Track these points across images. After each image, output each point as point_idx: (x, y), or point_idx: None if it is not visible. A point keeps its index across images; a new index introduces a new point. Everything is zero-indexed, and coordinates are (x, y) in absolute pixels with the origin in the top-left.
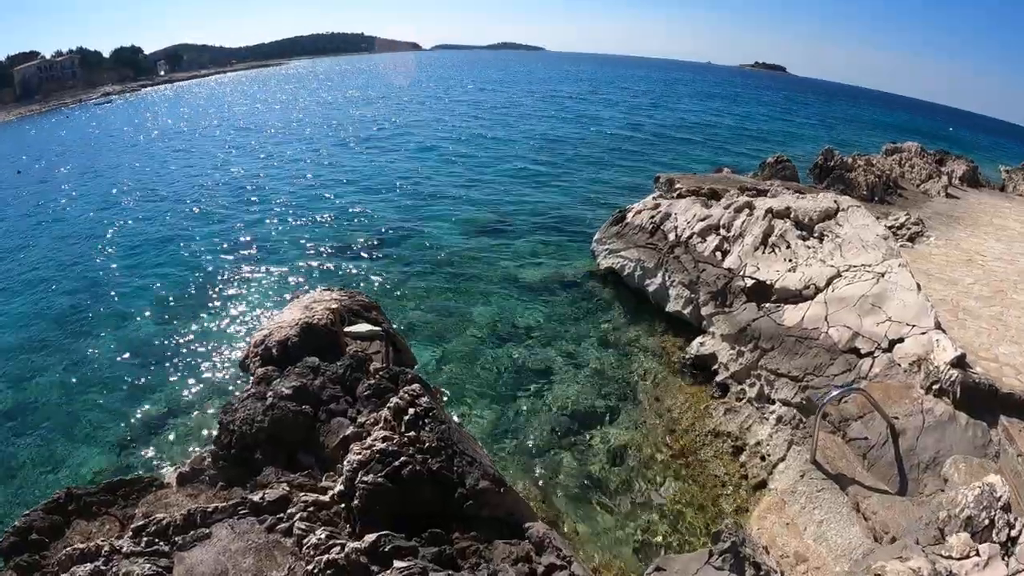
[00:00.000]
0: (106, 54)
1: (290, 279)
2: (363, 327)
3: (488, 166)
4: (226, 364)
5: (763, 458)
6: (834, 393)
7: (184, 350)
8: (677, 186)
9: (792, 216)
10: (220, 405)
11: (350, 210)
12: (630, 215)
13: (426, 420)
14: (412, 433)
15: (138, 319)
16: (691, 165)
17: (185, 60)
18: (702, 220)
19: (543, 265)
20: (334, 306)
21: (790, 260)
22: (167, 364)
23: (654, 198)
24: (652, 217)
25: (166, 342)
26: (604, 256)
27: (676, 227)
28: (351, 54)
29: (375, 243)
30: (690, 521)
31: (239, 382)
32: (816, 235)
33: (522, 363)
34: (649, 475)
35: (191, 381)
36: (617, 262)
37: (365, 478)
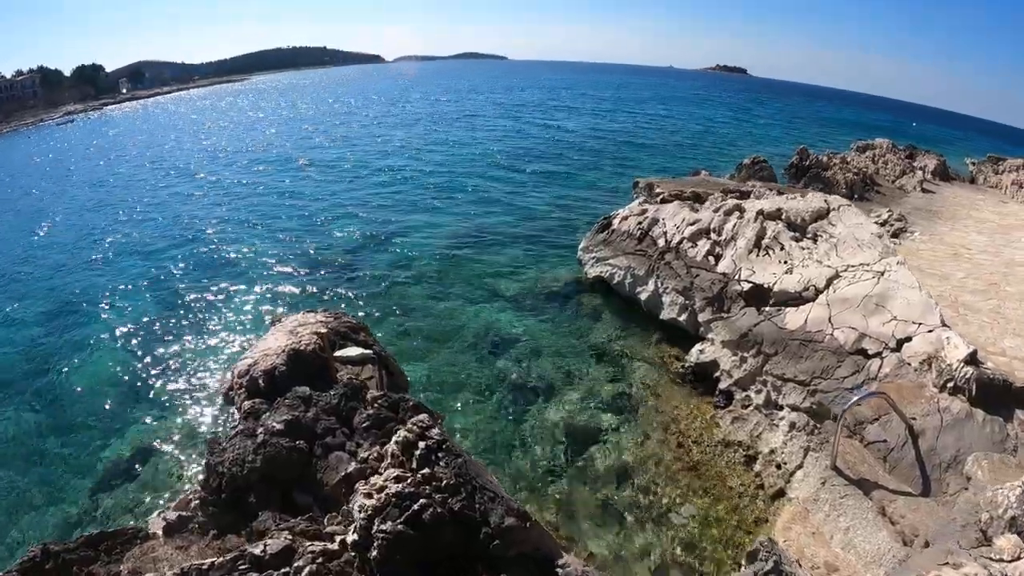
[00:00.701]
0: (67, 72)
1: (266, 301)
2: (354, 351)
3: (458, 176)
4: (206, 396)
5: (779, 466)
6: (855, 398)
7: (159, 382)
8: (658, 190)
9: (784, 217)
10: (202, 441)
11: (322, 227)
12: (616, 222)
13: (440, 454)
14: (426, 470)
15: (107, 350)
16: (667, 166)
17: (147, 77)
18: (691, 224)
19: (525, 276)
20: (321, 330)
21: (785, 262)
22: (141, 398)
23: (640, 203)
24: (640, 223)
25: (139, 374)
26: (592, 264)
27: (665, 232)
28: (314, 68)
29: (349, 260)
30: (710, 537)
31: (222, 416)
32: (810, 236)
33: (515, 381)
34: (661, 491)
35: (168, 416)
36: (606, 270)
37: (383, 526)
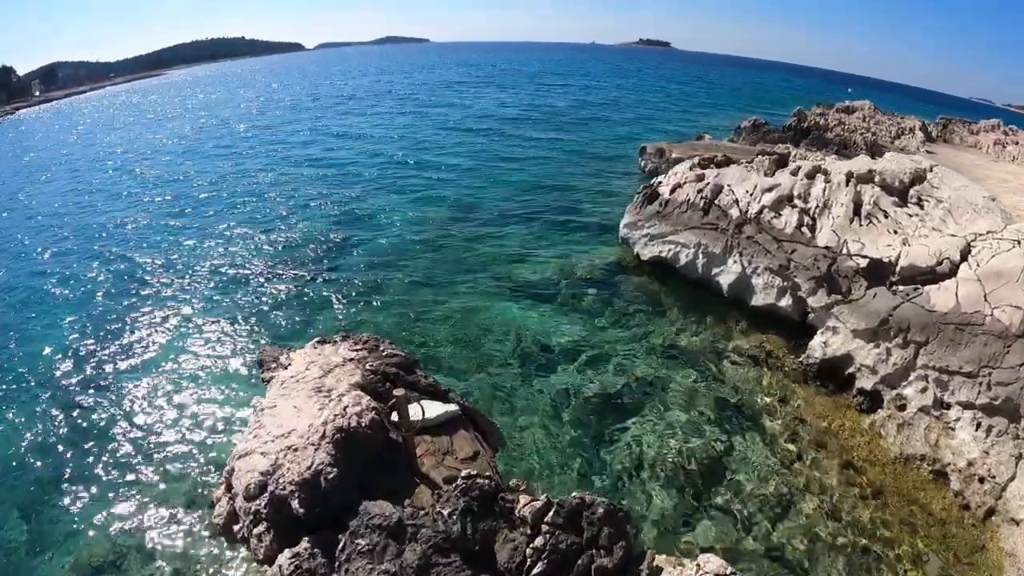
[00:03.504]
0: None
1: (234, 321)
2: (433, 410)
3: (428, 153)
4: (180, 526)
5: (982, 480)
6: None
7: (84, 496)
8: (674, 155)
9: (878, 180)
10: None
11: (281, 220)
12: (665, 191)
13: None
14: None
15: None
16: (646, 135)
17: (61, 77)
18: (768, 191)
19: (551, 259)
20: (356, 377)
21: (895, 231)
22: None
23: (689, 168)
24: (700, 191)
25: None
26: (645, 243)
27: (737, 201)
28: (233, 58)
29: (325, 255)
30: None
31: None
32: (913, 200)
33: (580, 397)
34: (844, 530)
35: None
36: (667, 250)
37: None
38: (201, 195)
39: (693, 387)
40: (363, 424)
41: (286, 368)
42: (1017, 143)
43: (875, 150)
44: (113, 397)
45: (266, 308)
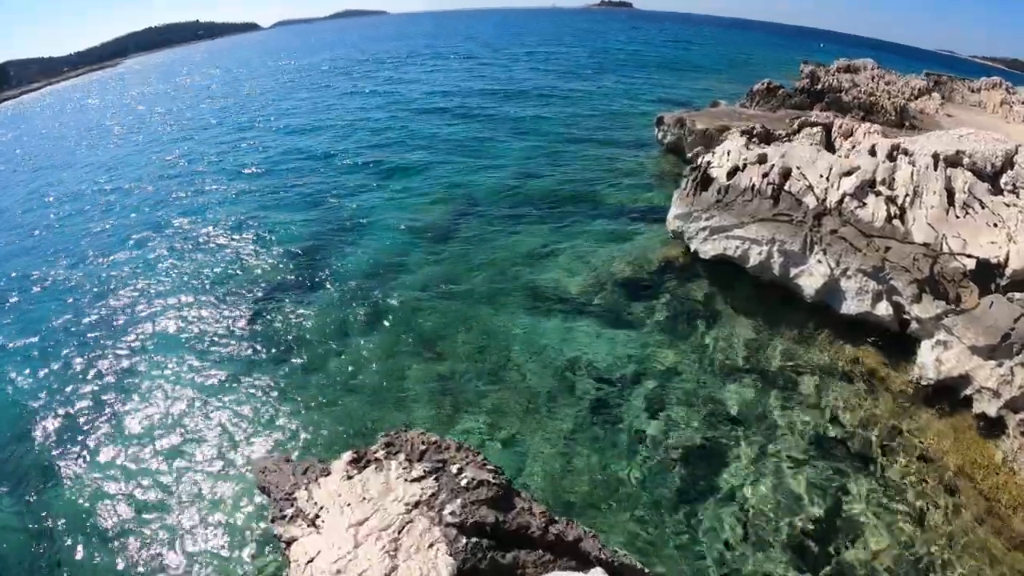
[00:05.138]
0: None
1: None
2: None
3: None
4: None
5: None
6: None
7: None
8: (698, 126)
9: (967, 163)
10: None
11: (260, 226)
12: (719, 174)
13: None
14: None
15: None
16: (642, 106)
17: (13, 75)
18: (847, 174)
19: (578, 259)
20: (440, 553)
21: (995, 224)
22: None
23: (744, 145)
24: (765, 175)
25: None
26: (704, 238)
27: (811, 187)
28: (188, 43)
29: (315, 269)
30: None
31: None
32: (1008, 187)
33: (656, 443)
34: None
35: None
36: (733, 246)
37: None
38: (146, 200)
39: (784, 418)
40: None
41: (313, 524)
42: None
43: (904, 115)
44: None
45: (254, 351)
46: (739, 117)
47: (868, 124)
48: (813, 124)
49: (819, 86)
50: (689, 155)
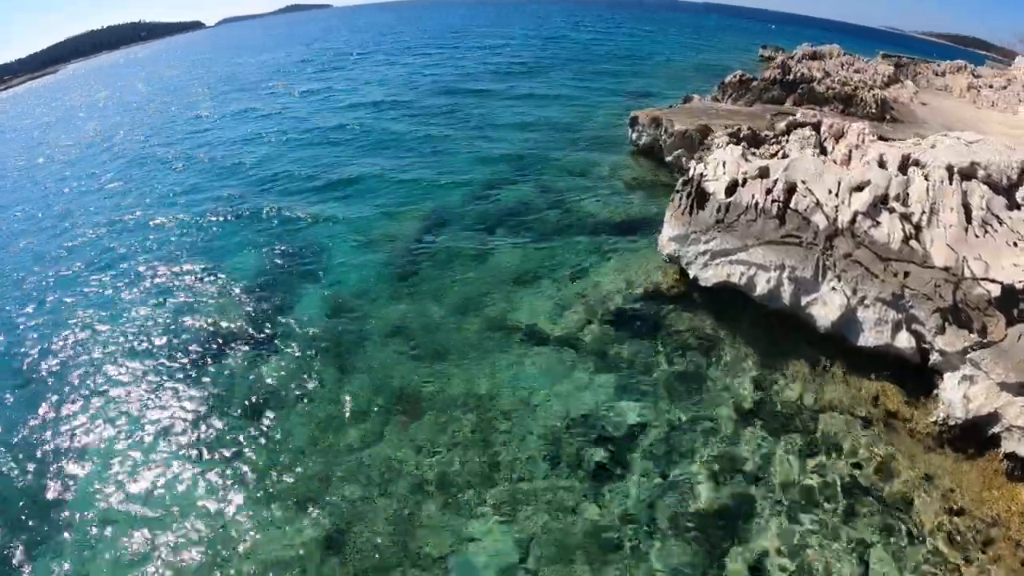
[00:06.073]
0: None
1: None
2: None
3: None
4: None
5: None
6: None
7: None
8: (676, 126)
9: (981, 175)
10: None
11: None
12: (716, 188)
13: None
14: None
15: None
16: (607, 100)
17: None
18: (858, 189)
19: (558, 286)
20: None
21: (1015, 243)
22: None
23: (740, 156)
24: (768, 191)
25: None
26: (704, 263)
27: (820, 203)
28: (133, 45)
29: (263, 316)
30: None
31: None
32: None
33: (669, 514)
34: None
35: None
36: (738, 272)
37: None
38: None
39: (803, 471)
40: None
41: None
42: (991, 86)
43: (884, 108)
44: None
45: (197, 434)
46: (717, 114)
47: (860, 124)
48: (802, 124)
49: (791, 76)
50: (668, 158)
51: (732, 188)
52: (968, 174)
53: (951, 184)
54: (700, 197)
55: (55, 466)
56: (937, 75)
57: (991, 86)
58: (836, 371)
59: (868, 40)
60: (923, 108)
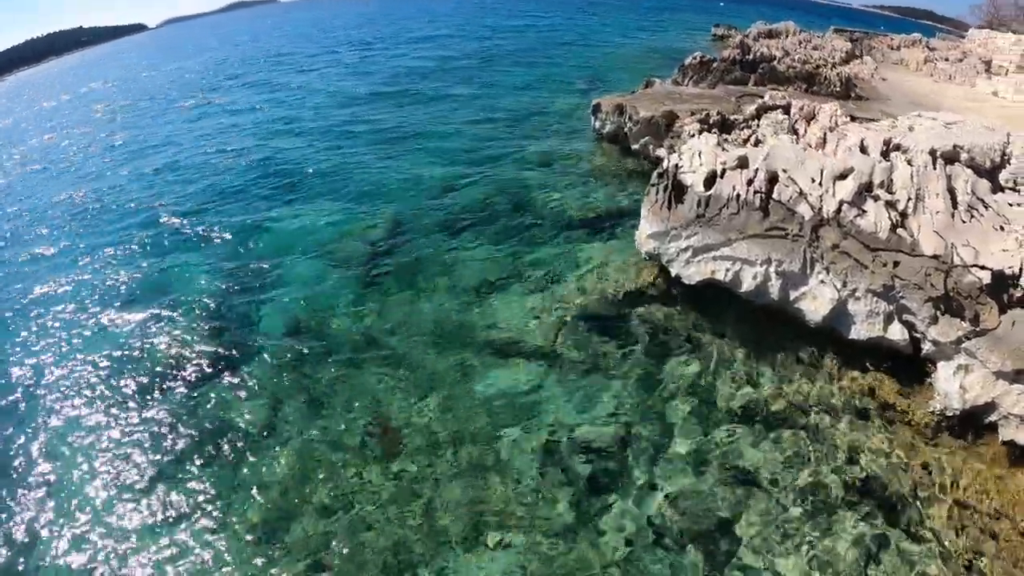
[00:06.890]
0: None
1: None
2: None
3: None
4: None
5: None
6: None
7: None
8: (642, 114)
9: (965, 159)
10: None
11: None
12: (694, 180)
13: None
14: None
15: None
16: (559, 87)
17: None
18: (841, 177)
19: (528, 292)
20: None
21: (1001, 227)
22: None
23: (715, 145)
24: (750, 182)
25: None
26: (687, 260)
27: (804, 194)
28: (73, 51)
29: (222, 341)
30: None
31: None
32: (1009, 184)
33: (661, 523)
34: None
35: None
36: (723, 268)
37: None
38: None
39: (803, 471)
40: None
41: None
42: (947, 59)
43: (849, 86)
44: None
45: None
46: (680, 99)
47: (831, 104)
48: (772, 108)
49: (751, 56)
50: (635, 146)
51: (711, 180)
52: (951, 157)
53: (935, 169)
54: (677, 190)
55: None
56: (892, 49)
57: (947, 59)
58: (828, 365)
59: (817, 15)
60: (883, 84)
